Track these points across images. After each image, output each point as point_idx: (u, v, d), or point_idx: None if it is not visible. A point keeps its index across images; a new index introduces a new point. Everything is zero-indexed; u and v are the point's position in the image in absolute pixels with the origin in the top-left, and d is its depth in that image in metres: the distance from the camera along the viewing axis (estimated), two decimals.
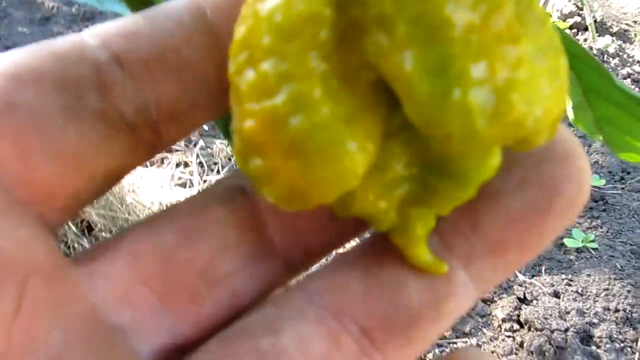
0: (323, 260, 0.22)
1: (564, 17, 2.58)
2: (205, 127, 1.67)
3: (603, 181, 1.58)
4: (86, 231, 1.14)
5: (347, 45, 0.15)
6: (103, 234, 1.09)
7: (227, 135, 0.40)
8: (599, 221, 1.47)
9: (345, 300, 0.18)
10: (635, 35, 2.71)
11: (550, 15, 2.62)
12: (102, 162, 0.18)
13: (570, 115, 0.43)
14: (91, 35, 0.18)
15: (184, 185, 1.34)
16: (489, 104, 0.14)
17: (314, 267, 0.21)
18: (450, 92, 0.14)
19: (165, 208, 0.20)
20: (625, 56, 2.37)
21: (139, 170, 1.33)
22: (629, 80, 2.17)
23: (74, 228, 1.12)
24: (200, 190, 0.20)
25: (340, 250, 0.22)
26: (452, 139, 0.14)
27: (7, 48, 1.98)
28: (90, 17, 2.32)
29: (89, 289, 0.18)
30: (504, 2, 0.14)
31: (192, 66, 0.18)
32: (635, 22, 2.89)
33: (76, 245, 1.09)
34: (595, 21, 2.64)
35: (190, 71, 0.18)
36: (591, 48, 2.36)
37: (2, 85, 0.17)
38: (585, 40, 2.45)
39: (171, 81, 0.18)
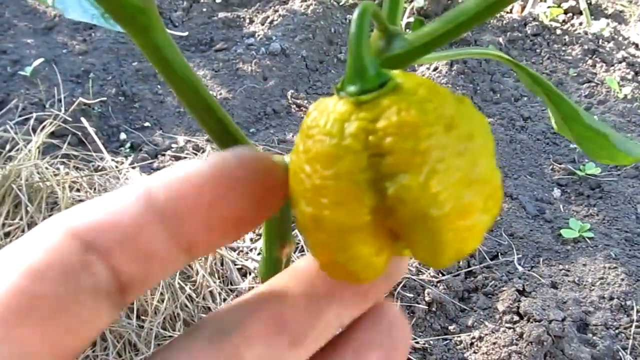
0: None
1: (559, 2, 2.60)
2: None
3: (599, 169, 1.63)
4: None
5: (377, 220, 0.27)
6: None
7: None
8: (595, 209, 1.52)
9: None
10: (631, 15, 2.74)
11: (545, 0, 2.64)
12: (96, 323, 0.24)
13: (555, 127, 0.48)
14: (67, 227, 0.24)
15: None
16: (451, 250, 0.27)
17: None
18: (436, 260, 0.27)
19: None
20: (620, 39, 2.40)
21: None
22: (624, 64, 2.20)
23: None
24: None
25: None
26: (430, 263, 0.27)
27: (15, 62, 2.03)
28: (93, 25, 2.37)
29: None
30: (472, 206, 0.26)
31: (145, 247, 0.25)
32: (630, 1, 2.91)
33: None
34: (590, 3, 2.66)
35: (144, 250, 0.25)
36: (586, 33, 2.38)
37: (26, 283, 0.22)
38: (580, 24, 2.48)
39: (131, 259, 0.25)
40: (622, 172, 1.65)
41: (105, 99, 1.87)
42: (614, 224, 1.44)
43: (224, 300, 1.11)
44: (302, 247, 1.27)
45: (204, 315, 1.10)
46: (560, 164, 1.70)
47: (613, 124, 1.87)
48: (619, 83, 2.08)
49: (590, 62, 2.24)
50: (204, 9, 2.60)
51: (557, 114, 0.49)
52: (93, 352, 1.11)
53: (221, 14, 2.54)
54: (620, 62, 2.23)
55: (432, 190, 0.27)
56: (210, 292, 1.11)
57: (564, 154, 1.76)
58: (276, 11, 2.47)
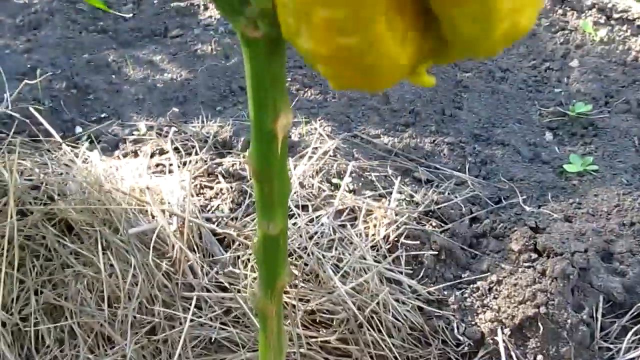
0: None
1: None
2: (175, 109, 1.59)
3: (590, 107, 1.55)
4: (66, 231, 1.06)
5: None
6: (85, 229, 1.01)
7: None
8: (592, 146, 1.43)
9: None
10: None
11: None
12: None
13: None
14: None
15: (162, 172, 1.26)
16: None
17: None
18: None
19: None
20: None
21: (113, 161, 1.25)
22: (594, 10, 2.14)
23: (52, 229, 1.03)
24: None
25: None
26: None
27: None
28: (37, 25, 2.21)
29: None
30: None
31: None
32: None
33: (56, 246, 1.01)
34: None
35: None
36: None
37: None
38: None
39: None
40: (614, 108, 1.57)
41: (55, 93, 1.72)
42: (615, 157, 1.36)
43: (207, 274, 0.97)
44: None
45: (186, 293, 0.97)
46: (547, 108, 1.62)
47: (594, 66, 1.79)
48: (592, 27, 2.01)
49: (560, 11, 2.18)
50: (155, 1, 2.47)
51: None
52: (61, 351, 0.97)
53: (174, 4, 2.40)
54: (590, 9, 2.17)
55: None
56: (190, 267, 0.98)
57: (549, 98, 1.67)
58: None
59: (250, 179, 1.07)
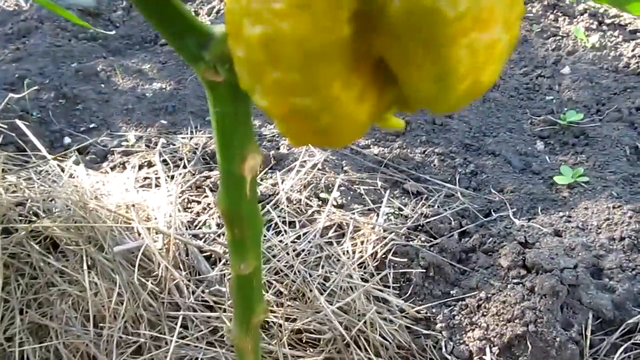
0: None
1: None
2: (164, 121, 1.57)
3: (581, 115, 1.54)
4: (51, 248, 1.05)
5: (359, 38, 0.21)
6: (70, 247, 1.00)
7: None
8: (583, 156, 1.43)
9: None
10: None
11: None
12: None
13: None
14: None
15: (149, 185, 1.25)
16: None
17: None
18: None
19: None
20: None
21: (99, 176, 1.24)
22: (586, 15, 2.14)
23: (37, 247, 1.02)
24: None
25: None
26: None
27: None
28: (26, 33, 2.20)
29: None
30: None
31: None
32: None
33: (41, 265, 1.00)
34: None
35: None
36: None
37: None
38: None
39: None
40: (605, 117, 1.56)
41: (44, 104, 1.71)
42: (606, 167, 1.35)
43: (193, 293, 0.96)
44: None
45: (171, 312, 0.96)
46: (538, 116, 1.61)
47: (586, 73, 1.79)
48: (584, 33, 2.01)
49: (552, 17, 2.17)
50: None
51: None
52: None
53: None
54: (582, 14, 2.17)
55: None
56: (176, 285, 0.97)
57: (541, 106, 1.66)
58: (222, 0, 2.34)
59: None
